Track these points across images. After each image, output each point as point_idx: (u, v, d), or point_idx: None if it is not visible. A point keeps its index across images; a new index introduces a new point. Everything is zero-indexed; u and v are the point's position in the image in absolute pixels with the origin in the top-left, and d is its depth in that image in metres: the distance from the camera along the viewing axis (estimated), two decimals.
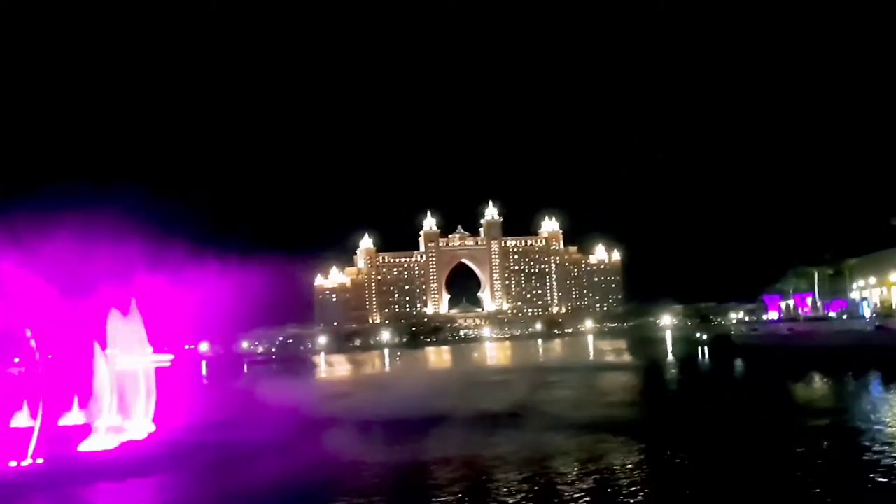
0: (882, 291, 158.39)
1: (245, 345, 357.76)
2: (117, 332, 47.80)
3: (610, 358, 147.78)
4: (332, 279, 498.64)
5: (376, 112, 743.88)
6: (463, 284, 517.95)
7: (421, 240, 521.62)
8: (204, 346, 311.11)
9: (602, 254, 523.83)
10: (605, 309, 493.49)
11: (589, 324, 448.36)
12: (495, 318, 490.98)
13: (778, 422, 48.50)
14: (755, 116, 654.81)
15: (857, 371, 79.23)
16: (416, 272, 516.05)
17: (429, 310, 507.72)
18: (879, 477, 31.67)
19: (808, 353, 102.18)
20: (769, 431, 44.80)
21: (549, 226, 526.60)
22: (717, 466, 36.00)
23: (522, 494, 31.73)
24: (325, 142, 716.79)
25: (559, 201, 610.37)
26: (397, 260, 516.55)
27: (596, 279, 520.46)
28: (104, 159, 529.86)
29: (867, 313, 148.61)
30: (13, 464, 38.82)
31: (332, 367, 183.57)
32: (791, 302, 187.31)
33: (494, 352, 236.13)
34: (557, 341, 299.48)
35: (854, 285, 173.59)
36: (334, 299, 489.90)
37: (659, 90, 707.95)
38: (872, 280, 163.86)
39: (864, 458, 35.55)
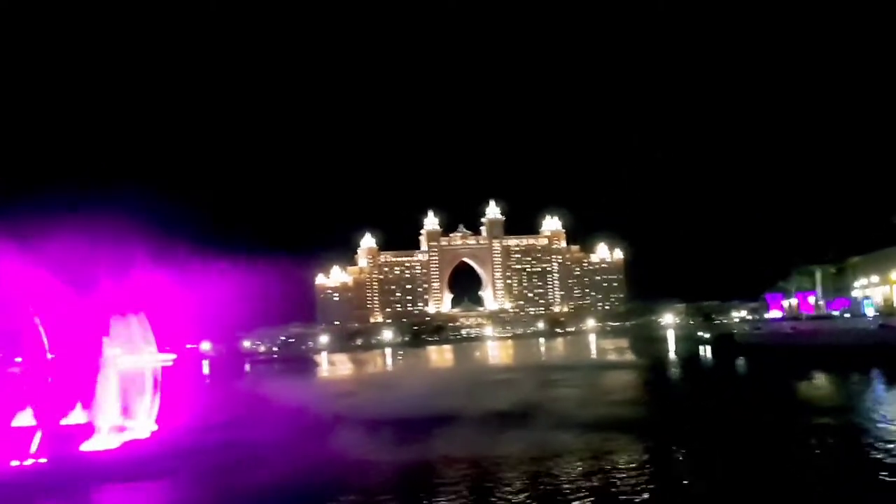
0: (885, 290, 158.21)
1: (247, 344, 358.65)
2: (120, 331, 47.82)
3: (612, 357, 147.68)
4: (334, 278, 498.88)
5: (378, 111, 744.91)
6: (465, 283, 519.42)
7: (423, 239, 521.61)
8: (206, 346, 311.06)
9: (604, 252, 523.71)
10: (608, 308, 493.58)
11: (591, 323, 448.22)
12: (497, 317, 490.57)
13: (781, 420, 48.39)
14: (756, 115, 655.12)
15: (860, 369, 79.06)
16: (418, 271, 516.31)
17: (431, 309, 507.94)
18: (883, 475, 31.60)
19: (810, 352, 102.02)
20: (772, 430, 44.72)
21: (551, 224, 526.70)
22: (721, 465, 35.93)
23: (532, 493, 31.64)
24: (327, 141, 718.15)
25: (561, 200, 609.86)
26: (399, 259, 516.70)
27: (598, 278, 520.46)
28: (106, 160, 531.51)
29: (870, 312, 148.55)
30: (15, 463, 38.80)
31: (334, 367, 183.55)
32: (794, 300, 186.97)
33: (497, 351, 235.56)
34: (560, 340, 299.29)
35: (857, 284, 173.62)
36: (336, 298, 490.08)
37: (659, 90, 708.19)
38: (875, 278, 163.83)
39: (868, 456, 35.48)
